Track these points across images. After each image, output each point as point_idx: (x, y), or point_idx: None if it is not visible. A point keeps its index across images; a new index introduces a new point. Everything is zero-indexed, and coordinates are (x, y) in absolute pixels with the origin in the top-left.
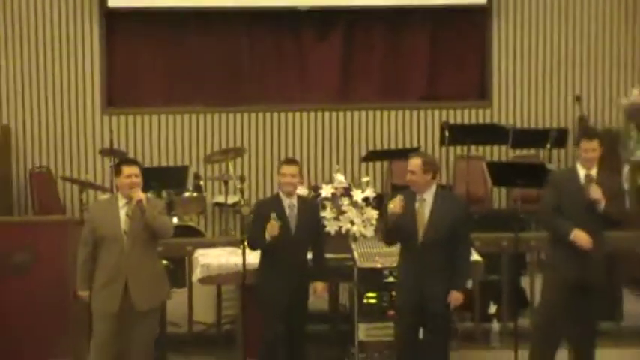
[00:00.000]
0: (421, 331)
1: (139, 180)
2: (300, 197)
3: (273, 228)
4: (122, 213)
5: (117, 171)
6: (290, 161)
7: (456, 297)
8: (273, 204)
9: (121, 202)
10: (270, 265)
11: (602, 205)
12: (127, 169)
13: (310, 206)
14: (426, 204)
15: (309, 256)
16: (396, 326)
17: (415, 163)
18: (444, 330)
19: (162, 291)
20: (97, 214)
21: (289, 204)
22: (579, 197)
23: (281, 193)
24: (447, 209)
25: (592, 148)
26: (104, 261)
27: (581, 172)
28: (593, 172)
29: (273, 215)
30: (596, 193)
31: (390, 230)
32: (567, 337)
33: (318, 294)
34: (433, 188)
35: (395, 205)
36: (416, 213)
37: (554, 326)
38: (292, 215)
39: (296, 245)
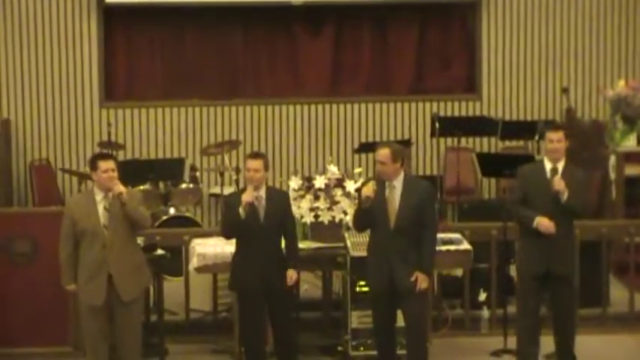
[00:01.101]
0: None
1: (115, 173)
2: (269, 188)
3: (247, 194)
4: (100, 207)
5: (93, 166)
6: (255, 155)
7: (421, 278)
8: (239, 195)
9: (98, 196)
10: (242, 255)
11: (565, 196)
12: (103, 164)
13: (279, 197)
14: (395, 190)
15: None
16: (372, 313)
17: (384, 153)
18: (419, 310)
19: (145, 279)
20: (75, 209)
21: (257, 196)
22: (545, 190)
23: (248, 186)
24: (415, 193)
25: (557, 138)
26: (86, 255)
27: (548, 165)
28: (560, 165)
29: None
30: (559, 184)
31: (361, 216)
32: (551, 325)
33: (290, 282)
34: (401, 175)
35: (368, 188)
36: (386, 200)
37: (532, 315)
38: (260, 205)
39: (265, 234)
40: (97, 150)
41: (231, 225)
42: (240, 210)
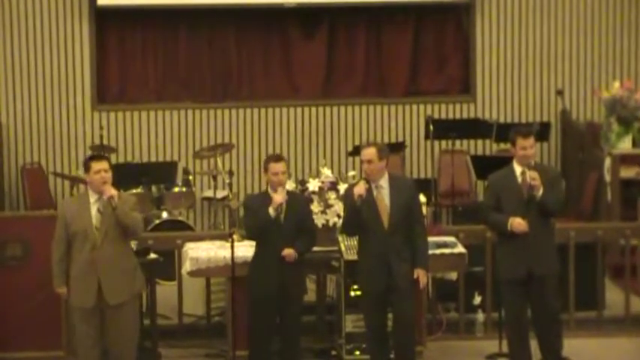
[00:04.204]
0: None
1: (108, 175)
2: (289, 192)
3: (279, 195)
4: (93, 209)
5: (86, 167)
6: (277, 158)
7: (422, 274)
8: (261, 197)
9: (92, 198)
10: (261, 258)
11: (540, 191)
12: (95, 165)
13: (299, 200)
14: (383, 190)
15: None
16: (365, 316)
17: (371, 152)
18: (412, 311)
19: (135, 284)
20: (68, 211)
21: (280, 190)
22: (518, 194)
23: (270, 190)
24: (403, 191)
25: (529, 144)
26: (77, 257)
27: (518, 170)
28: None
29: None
30: (532, 178)
31: (352, 216)
32: (533, 327)
33: (287, 255)
34: (386, 174)
35: (360, 187)
36: (375, 200)
37: (519, 320)
38: (280, 208)
39: (284, 237)
40: (89, 153)
41: (259, 225)
42: (270, 210)
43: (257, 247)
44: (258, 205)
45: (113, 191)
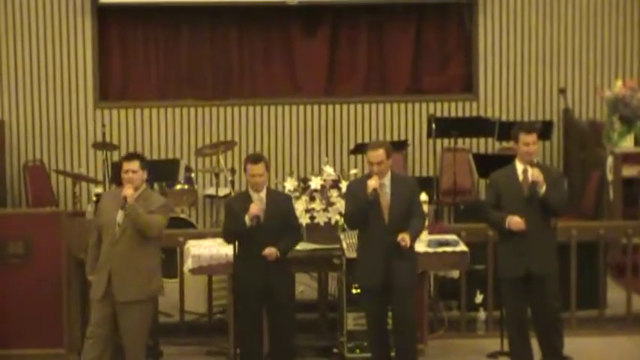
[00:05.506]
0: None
1: (136, 175)
2: (269, 190)
3: (256, 206)
4: None
5: (119, 165)
6: (255, 160)
7: (402, 237)
8: (242, 199)
9: None
10: (243, 257)
11: (543, 188)
12: (125, 164)
13: (280, 198)
14: (384, 188)
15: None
16: (365, 313)
17: (380, 154)
18: (411, 309)
19: (149, 286)
20: (104, 202)
21: (257, 197)
22: (519, 192)
23: (250, 189)
24: (404, 188)
25: (532, 140)
26: (102, 249)
27: (520, 168)
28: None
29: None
30: (536, 175)
31: (362, 210)
32: (533, 326)
33: (268, 254)
34: (389, 173)
35: (375, 181)
36: (378, 197)
37: (519, 318)
38: (256, 220)
39: (266, 235)
40: (92, 151)
41: (234, 232)
42: (247, 219)
43: (239, 246)
44: (237, 208)
45: (128, 192)
